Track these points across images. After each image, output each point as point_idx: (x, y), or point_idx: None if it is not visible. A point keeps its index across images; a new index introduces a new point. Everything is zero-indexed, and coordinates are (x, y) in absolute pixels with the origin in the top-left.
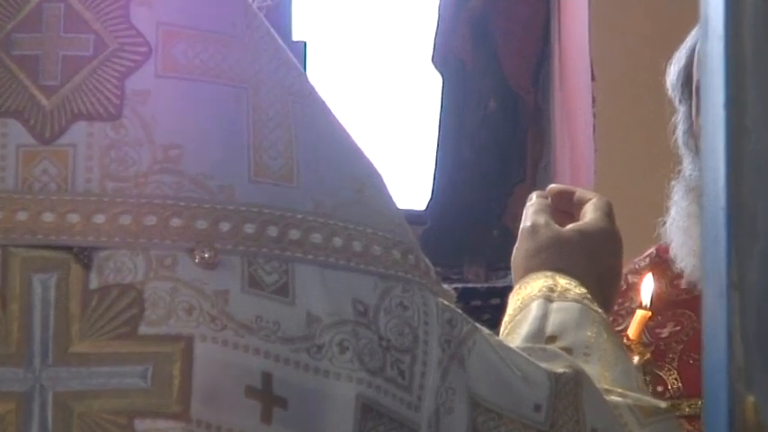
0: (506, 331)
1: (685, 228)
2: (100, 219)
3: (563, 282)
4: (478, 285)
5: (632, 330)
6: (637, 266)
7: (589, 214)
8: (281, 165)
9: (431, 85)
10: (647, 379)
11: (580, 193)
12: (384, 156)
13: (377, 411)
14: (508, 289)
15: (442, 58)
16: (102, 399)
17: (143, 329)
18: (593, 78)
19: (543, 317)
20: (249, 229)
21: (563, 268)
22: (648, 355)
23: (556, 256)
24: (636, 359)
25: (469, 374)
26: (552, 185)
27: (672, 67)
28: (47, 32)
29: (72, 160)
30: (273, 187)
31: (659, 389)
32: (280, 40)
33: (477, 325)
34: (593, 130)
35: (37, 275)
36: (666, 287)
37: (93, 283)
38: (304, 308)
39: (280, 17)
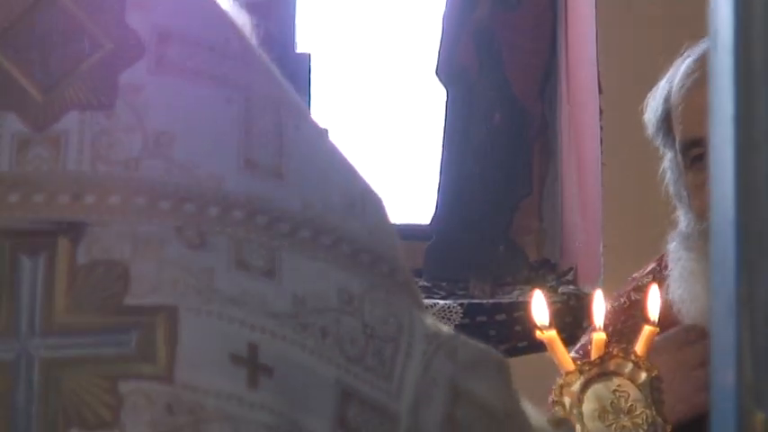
0: None
1: (690, 286)
2: (89, 199)
3: None
4: (484, 301)
5: (640, 347)
6: (639, 283)
7: None
8: (272, 164)
9: (436, 97)
10: (656, 396)
11: None
12: (388, 169)
13: (357, 399)
14: (514, 305)
15: (447, 70)
16: (87, 364)
17: (128, 301)
18: (600, 91)
19: None
20: (237, 215)
21: None
22: (656, 372)
23: None
24: (643, 376)
25: (458, 368)
26: None
27: (648, 112)
28: (41, 33)
29: (64, 144)
30: (263, 182)
31: None
32: (277, 71)
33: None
34: (601, 143)
35: (26, 255)
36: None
37: (81, 259)
38: (290, 290)
39: (284, 29)
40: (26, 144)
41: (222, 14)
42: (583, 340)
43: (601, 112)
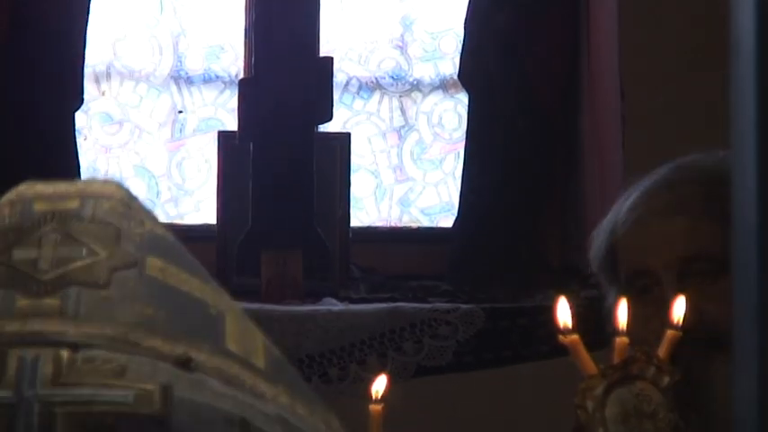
0: None
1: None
2: (87, 329)
3: None
4: (506, 305)
5: (662, 350)
6: None
7: None
8: (249, 361)
9: (458, 102)
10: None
11: None
12: (410, 173)
13: None
14: (536, 309)
15: (470, 75)
16: (87, 406)
17: (125, 378)
18: (622, 97)
19: None
20: (224, 367)
21: None
22: (679, 376)
23: None
24: (666, 380)
25: None
26: None
27: (593, 249)
28: (44, 246)
29: (62, 303)
30: (240, 368)
31: None
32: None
33: None
34: (623, 149)
35: (28, 357)
36: None
37: (79, 357)
38: (276, 410)
39: (306, 33)
40: (25, 309)
41: (196, 262)
42: None
43: (623, 117)
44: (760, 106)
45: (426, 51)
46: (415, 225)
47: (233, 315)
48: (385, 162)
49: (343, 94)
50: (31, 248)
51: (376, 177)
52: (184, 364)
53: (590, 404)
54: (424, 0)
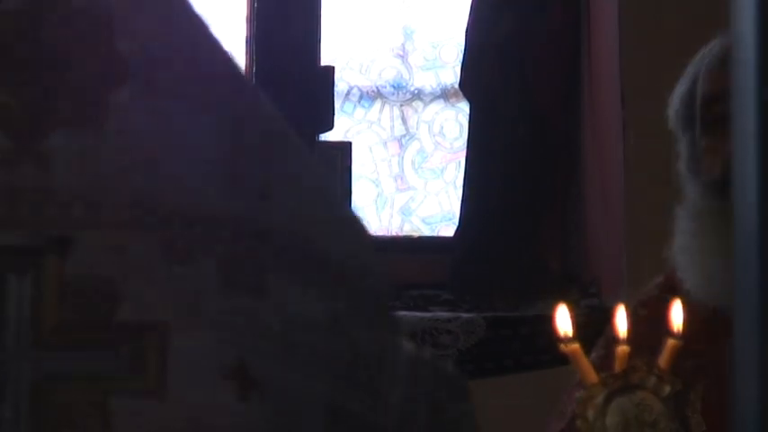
0: None
1: (691, 249)
2: (77, 212)
3: None
4: (508, 314)
5: (663, 360)
6: (646, 297)
7: None
8: (258, 185)
9: (459, 111)
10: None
11: None
12: (412, 182)
13: (346, 415)
14: (538, 318)
15: (471, 83)
16: (77, 379)
17: (117, 318)
18: (623, 103)
19: None
20: (224, 234)
21: None
22: (680, 386)
23: None
24: (667, 389)
25: (437, 387)
26: None
27: (674, 97)
28: (28, 57)
29: (51, 160)
30: (249, 202)
31: None
32: (265, 97)
33: None
34: (624, 155)
35: (13, 274)
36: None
37: (69, 277)
38: (278, 308)
39: (307, 43)
40: (12, 160)
41: (214, 43)
42: (592, 356)
43: (624, 124)
44: (760, 110)
45: (427, 60)
46: (416, 234)
47: None
48: (386, 171)
49: (344, 103)
50: (14, 60)
51: (377, 186)
52: (182, 262)
53: (590, 413)
54: (424, 9)
